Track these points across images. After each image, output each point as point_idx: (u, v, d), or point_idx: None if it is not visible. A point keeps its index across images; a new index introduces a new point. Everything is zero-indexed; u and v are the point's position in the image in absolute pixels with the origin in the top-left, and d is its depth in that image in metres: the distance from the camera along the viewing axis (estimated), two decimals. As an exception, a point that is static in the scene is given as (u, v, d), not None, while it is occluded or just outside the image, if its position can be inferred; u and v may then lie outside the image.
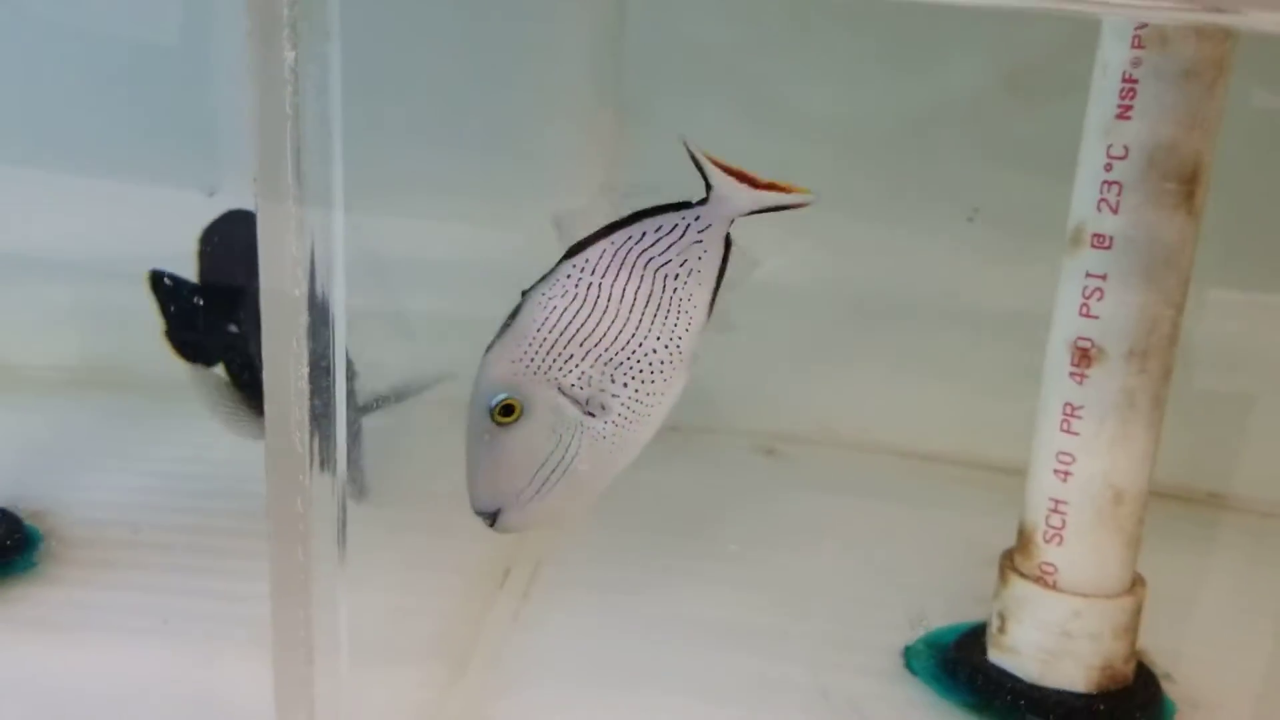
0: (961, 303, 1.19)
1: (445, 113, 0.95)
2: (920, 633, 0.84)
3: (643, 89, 1.27)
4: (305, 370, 0.44)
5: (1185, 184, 0.69)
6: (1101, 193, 0.70)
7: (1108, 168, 0.70)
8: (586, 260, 0.55)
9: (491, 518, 0.56)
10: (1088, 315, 0.71)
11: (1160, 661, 0.81)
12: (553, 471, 0.55)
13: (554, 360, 0.54)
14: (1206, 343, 1.11)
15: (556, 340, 0.54)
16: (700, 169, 0.57)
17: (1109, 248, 0.70)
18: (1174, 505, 1.13)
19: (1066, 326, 0.73)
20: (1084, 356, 0.72)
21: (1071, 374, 0.72)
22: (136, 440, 1.07)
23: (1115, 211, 0.70)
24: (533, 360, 0.54)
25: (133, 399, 1.14)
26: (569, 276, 0.55)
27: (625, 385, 0.55)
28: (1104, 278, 0.71)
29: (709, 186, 0.57)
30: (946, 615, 0.86)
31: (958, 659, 0.79)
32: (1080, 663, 0.74)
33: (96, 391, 1.18)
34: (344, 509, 0.50)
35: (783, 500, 1.09)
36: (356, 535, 0.56)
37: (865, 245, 1.22)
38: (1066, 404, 0.73)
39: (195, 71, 1.20)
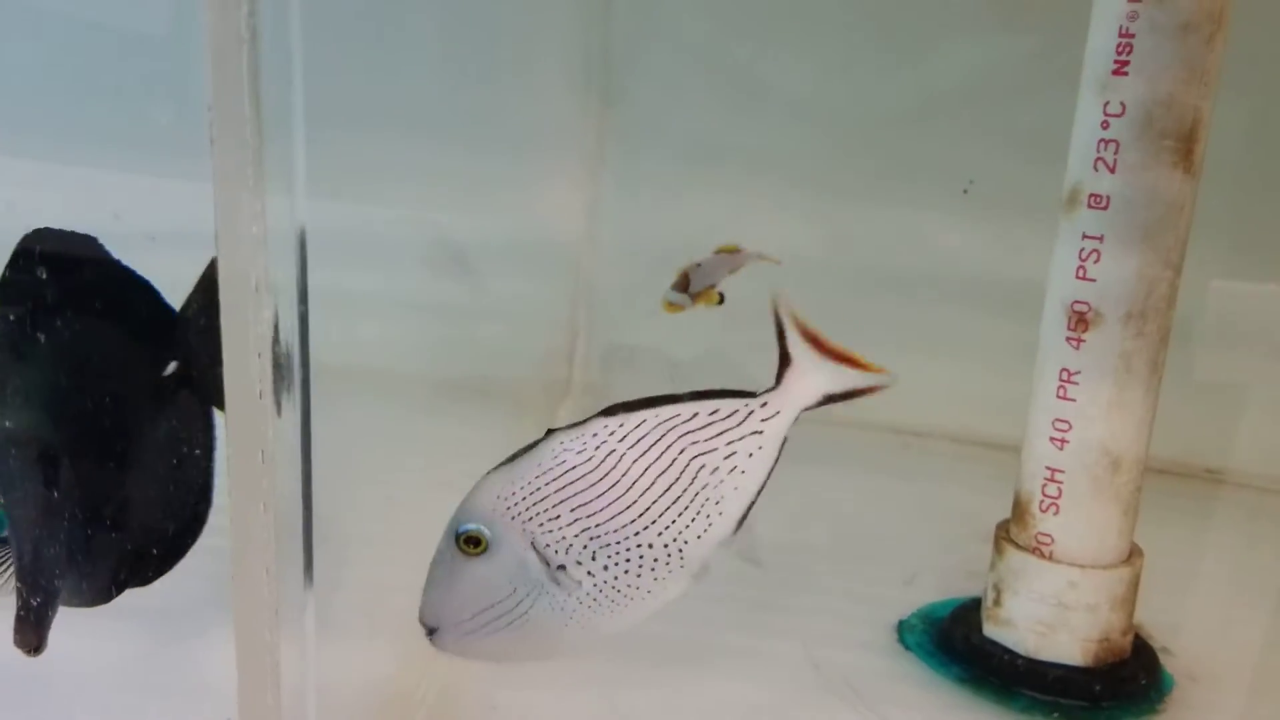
0: (958, 277, 1.18)
1: (426, 97, 0.93)
2: (913, 607, 0.82)
3: (627, 71, 1.26)
4: (267, 330, 0.42)
5: (1183, 141, 0.67)
6: (1098, 151, 0.68)
7: (1104, 125, 0.68)
8: (621, 425, 0.51)
9: (430, 632, 0.53)
10: (1084, 278, 0.70)
11: (1158, 635, 0.79)
12: (497, 619, 0.51)
13: (539, 513, 0.50)
14: (1206, 319, 1.10)
15: (551, 494, 0.50)
16: (781, 335, 0.54)
17: (1106, 208, 0.68)
18: (1172, 481, 1.11)
19: (1063, 290, 0.71)
20: (1080, 320, 0.70)
21: (1068, 338, 0.71)
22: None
23: (1112, 170, 0.68)
24: (519, 504, 0.51)
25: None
26: (595, 434, 0.51)
27: (605, 569, 0.51)
28: (1100, 239, 0.69)
29: (785, 361, 0.54)
30: (941, 590, 0.84)
31: (952, 633, 0.78)
32: (1076, 635, 0.72)
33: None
34: (309, 484, 0.48)
35: (775, 476, 1.06)
36: (337, 509, 0.54)
37: (858, 220, 1.20)
38: (1063, 369, 0.71)
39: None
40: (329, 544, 0.54)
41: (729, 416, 0.52)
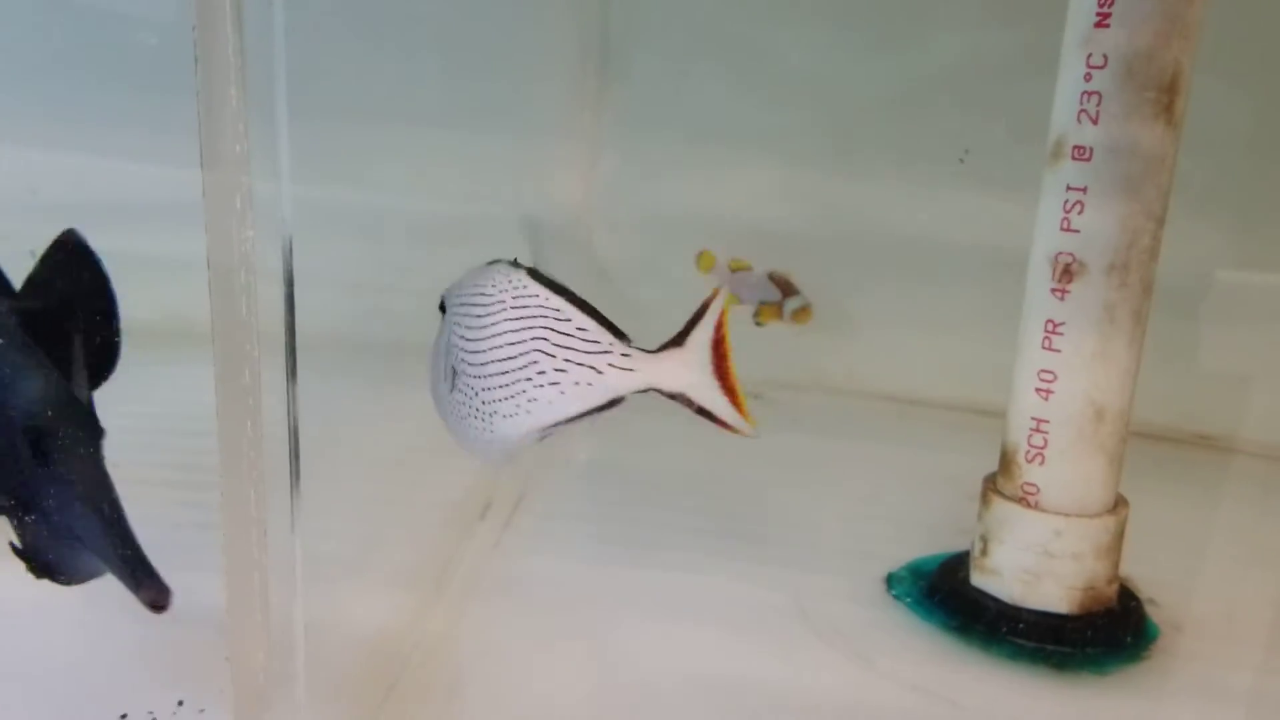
0: (952, 247, 1.18)
1: (424, 80, 0.94)
2: (902, 561, 0.83)
3: (627, 50, 1.26)
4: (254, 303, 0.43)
5: (1164, 93, 0.68)
6: (1081, 104, 0.69)
7: (1087, 78, 0.69)
8: (524, 286, 0.55)
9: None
10: (1068, 230, 0.71)
11: (1145, 588, 0.80)
12: (439, 402, 0.59)
13: (456, 319, 0.56)
14: (1197, 285, 1.11)
15: (460, 309, 0.56)
16: (694, 323, 0.55)
17: (1089, 160, 0.69)
18: (1163, 446, 1.12)
19: (1047, 241, 0.72)
20: (1065, 272, 0.71)
21: (1053, 290, 0.72)
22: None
23: (1095, 122, 0.69)
24: (454, 302, 0.56)
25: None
26: (508, 279, 0.55)
27: (468, 393, 0.56)
28: (1084, 190, 0.70)
29: (678, 342, 0.55)
30: (929, 546, 0.85)
31: (940, 583, 0.79)
32: (1062, 583, 0.73)
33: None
34: (295, 440, 0.50)
35: (769, 441, 1.07)
36: (325, 467, 0.56)
37: (855, 193, 1.21)
38: (1048, 320, 0.72)
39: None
40: (315, 480, 0.55)
41: (588, 340, 0.54)
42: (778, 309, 0.87)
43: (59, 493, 0.53)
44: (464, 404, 0.56)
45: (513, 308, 0.54)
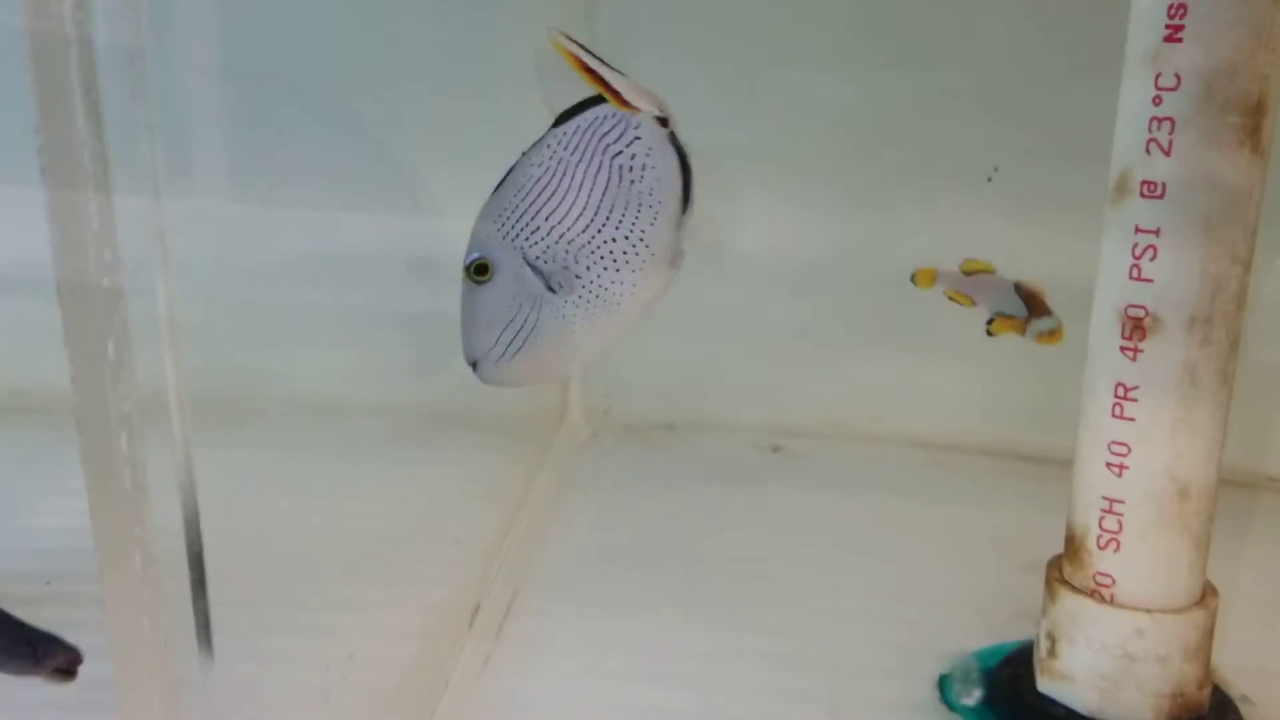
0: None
1: (408, 95, 0.86)
2: (954, 657, 0.73)
3: (616, 43, 1.17)
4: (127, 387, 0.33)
5: (1249, 116, 0.57)
6: (1150, 131, 0.59)
7: (1156, 101, 0.58)
8: (565, 134, 0.55)
9: (473, 367, 0.57)
10: (1139, 278, 0.60)
11: (1235, 680, 0.69)
12: (514, 336, 0.56)
13: (523, 230, 0.55)
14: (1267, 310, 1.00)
15: (527, 210, 0.55)
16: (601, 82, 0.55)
17: (1161, 196, 0.59)
18: (1229, 491, 1.01)
19: (1114, 293, 0.61)
20: (1137, 327, 0.61)
21: (1123, 349, 0.61)
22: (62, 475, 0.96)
23: (1167, 153, 0.58)
24: (505, 225, 0.55)
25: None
26: (548, 147, 0.55)
27: (589, 269, 0.55)
28: (1156, 233, 0.59)
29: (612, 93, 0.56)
30: (982, 634, 0.75)
31: (1001, 688, 0.68)
32: (1146, 690, 0.62)
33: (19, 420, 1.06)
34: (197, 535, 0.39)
35: (792, 504, 0.97)
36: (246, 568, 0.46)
37: (873, 218, 1.11)
38: (1118, 384, 0.62)
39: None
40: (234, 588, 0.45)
41: (620, 121, 0.56)
42: (1020, 325, 0.77)
43: None
44: (594, 282, 0.55)
45: (573, 153, 0.55)
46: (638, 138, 0.56)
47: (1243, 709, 0.67)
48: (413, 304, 0.90)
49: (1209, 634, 0.63)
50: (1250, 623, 0.76)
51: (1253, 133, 0.58)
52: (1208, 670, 0.64)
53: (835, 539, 0.92)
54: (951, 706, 0.68)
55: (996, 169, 1.07)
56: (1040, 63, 1.04)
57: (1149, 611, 0.62)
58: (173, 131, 0.40)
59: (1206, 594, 0.64)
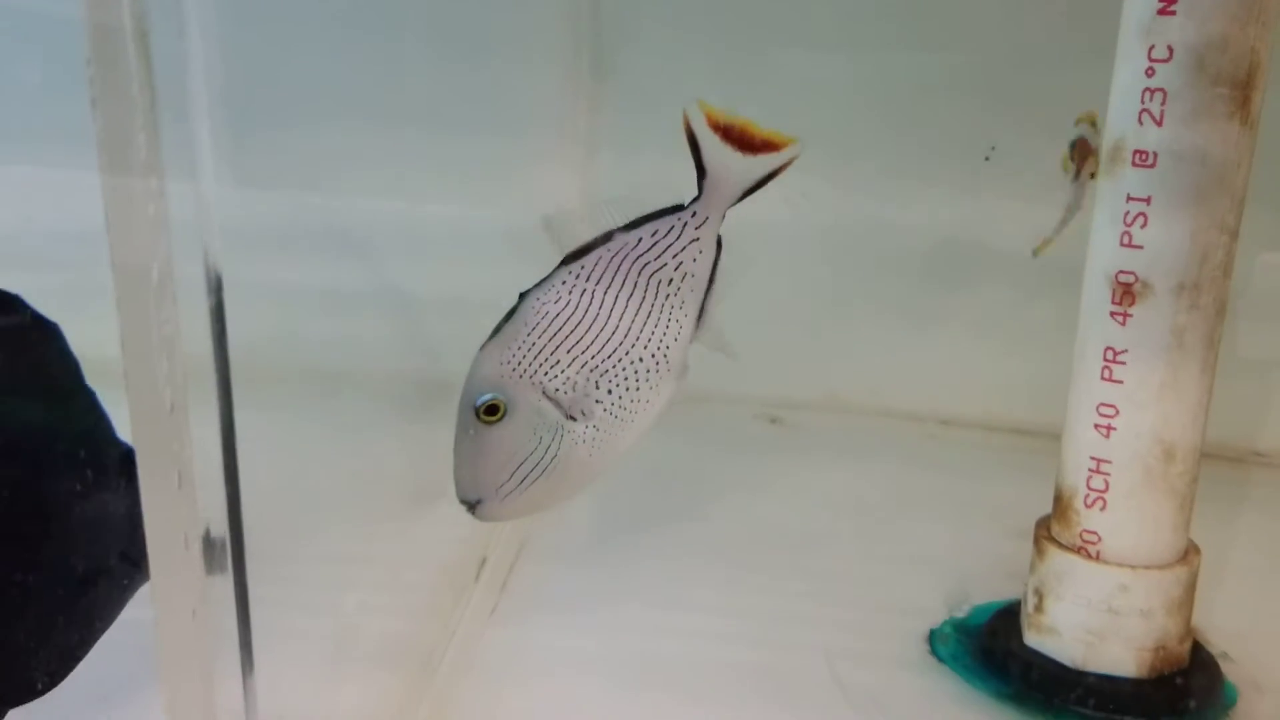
0: (978, 248, 1.10)
1: (410, 79, 0.87)
2: (963, 612, 0.75)
3: (619, 45, 1.18)
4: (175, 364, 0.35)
5: (1239, 88, 0.59)
6: (1143, 102, 0.61)
7: (1149, 72, 0.60)
8: (583, 267, 0.57)
9: (472, 506, 0.58)
10: (1130, 245, 0.62)
11: (1216, 639, 0.72)
12: (533, 469, 0.57)
13: (540, 364, 0.56)
14: (1252, 289, 1.02)
15: (545, 345, 0.56)
16: (696, 148, 0.58)
17: (1152, 165, 0.61)
18: (1215, 466, 1.03)
19: (1105, 259, 0.63)
20: (1126, 293, 0.63)
21: (1112, 313, 0.63)
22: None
23: (1159, 123, 0.60)
24: (520, 363, 0.56)
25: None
26: (564, 283, 0.57)
27: (610, 392, 0.57)
28: (1147, 201, 0.61)
29: (701, 173, 0.58)
30: (976, 595, 0.77)
31: (990, 644, 0.71)
32: (1130, 643, 0.64)
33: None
34: (235, 489, 0.41)
35: (790, 473, 1.00)
36: (280, 523, 0.47)
37: (870, 190, 1.13)
38: (1107, 348, 0.64)
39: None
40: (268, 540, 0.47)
41: (668, 233, 0.58)
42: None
43: None
44: (614, 404, 0.57)
45: (598, 282, 0.57)
46: (695, 239, 0.58)
47: (1223, 665, 0.69)
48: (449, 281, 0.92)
49: (1191, 590, 0.66)
50: (1235, 588, 0.78)
51: (1242, 104, 0.60)
52: (1189, 626, 0.66)
53: (832, 506, 0.94)
54: (941, 660, 0.70)
55: (994, 148, 1.09)
56: (1036, 43, 1.05)
57: (1133, 568, 0.64)
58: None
59: (1189, 552, 0.66)
